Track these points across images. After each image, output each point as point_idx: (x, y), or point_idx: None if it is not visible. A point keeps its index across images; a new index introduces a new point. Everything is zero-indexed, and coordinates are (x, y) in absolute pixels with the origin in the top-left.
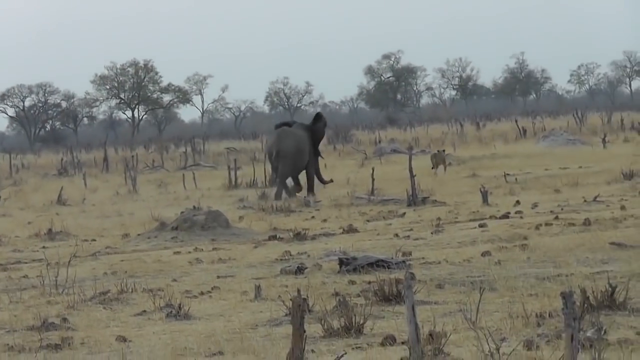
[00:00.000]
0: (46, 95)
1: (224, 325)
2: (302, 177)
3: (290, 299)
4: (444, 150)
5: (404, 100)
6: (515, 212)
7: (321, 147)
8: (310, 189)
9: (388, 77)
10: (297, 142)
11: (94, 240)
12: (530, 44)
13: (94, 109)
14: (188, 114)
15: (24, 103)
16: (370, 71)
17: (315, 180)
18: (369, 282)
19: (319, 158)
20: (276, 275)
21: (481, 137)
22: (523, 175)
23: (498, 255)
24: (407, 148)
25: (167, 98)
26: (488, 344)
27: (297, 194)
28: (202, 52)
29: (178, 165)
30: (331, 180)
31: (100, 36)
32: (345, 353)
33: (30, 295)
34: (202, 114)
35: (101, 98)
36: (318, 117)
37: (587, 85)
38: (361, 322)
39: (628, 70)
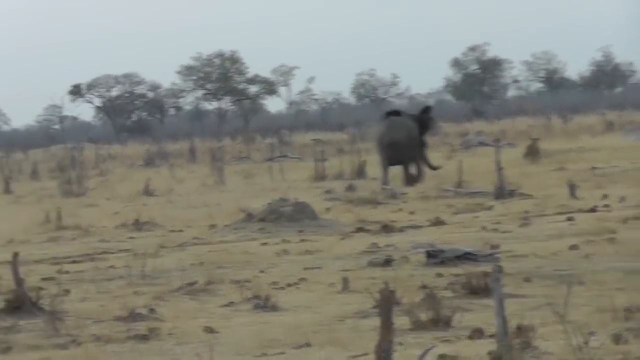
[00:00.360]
0: (132, 85)
1: (311, 317)
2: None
3: (378, 291)
4: (537, 139)
5: (491, 93)
6: (603, 206)
7: None
8: (418, 177)
9: (474, 70)
10: (407, 131)
11: (181, 230)
12: (617, 36)
13: (180, 100)
14: (274, 105)
15: (110, 93)
16: (456, 63)
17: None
18: (457, 275)
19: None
20: (363, 268)
21: (568, 130)
22: (610, 168)
23: (586, 248)
24: (493, 140)
25: (253, 89)
26: (576, 337)
27: (412, 184)
28: (289, 43)
29: (264, 157)
30: (440, 167)
31: (187, 26)
32: (434, 346)
33: (117, 285)
34: (289, 105)
35: (187, 89)
36: (427, 109)
37: None
38: (449, 315)
39: None
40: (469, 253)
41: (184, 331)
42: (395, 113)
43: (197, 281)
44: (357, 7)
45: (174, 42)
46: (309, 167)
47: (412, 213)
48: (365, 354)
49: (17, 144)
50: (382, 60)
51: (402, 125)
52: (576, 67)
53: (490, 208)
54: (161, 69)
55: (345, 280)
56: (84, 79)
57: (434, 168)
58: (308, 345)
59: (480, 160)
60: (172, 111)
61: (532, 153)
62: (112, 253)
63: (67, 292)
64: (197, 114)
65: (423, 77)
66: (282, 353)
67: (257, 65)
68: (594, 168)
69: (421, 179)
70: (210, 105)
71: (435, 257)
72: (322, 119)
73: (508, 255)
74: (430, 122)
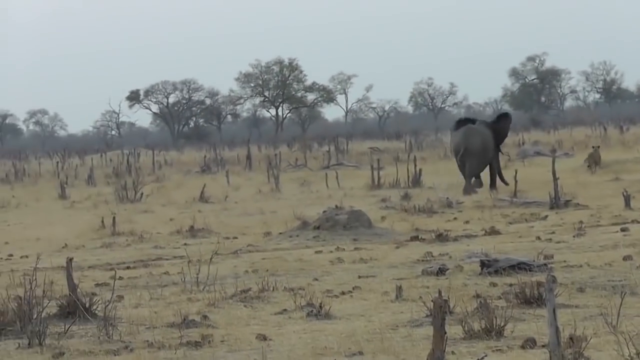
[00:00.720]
0: (190, 92)
1: (364, 325)
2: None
3: (432, 300)
4: (599, 147)
5: (548, 103)
6: None
7: None
8: (493, 184)
9: (532, 79)
10: (483, 139)
11: (236, 238)
12: None
13: (238, 107)
14: (332, 113)
15: (168, 99)
16: (514, 73)
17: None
18: (510, 285)
19: (501, 155)
20: (417, 276)
21: (625, 140)
22: None
23: (639, 259)
24: (550, 150)
25: (311, 97)
26: (629, 348)
27: (477, 189)
28: (347, 51)
29: (321, 164)
30: (508, 184)
31: (245, 33)
32: (486, 355)
33: (171, 292)
34: (346, 113)
35: (245, 96)
36: (503, 115)
37: None
38: (502, 324)
39: None
40: (523, 263)
41: (236, 338)
42: (468, 121)
43: (251, 288)
44: (415, 16)
45: (232, 48)
46: (365, 175)
47: (467, 222)
48: None
49: (73, 149)
50: (440, 69)
51: (478, 133)
52: (634, 77)
53: (545, 218)
54: (219, 76)
55: (399, 289)
56: (142, 85)
57: (505, 182)
58: (361, 353)
59: (537, 170)
60: (229, 118)
61: (595, 160)
62: (167, 259)
63: (120, 298)
64: (255, 121)
65: (481, 86)
66: None
67: (316, 72)
68: None
69: (496, 185)
70: (268, 113)
71: (489, 266)
72: (379, 127)
73: (562, 266)
74: (505, 130)
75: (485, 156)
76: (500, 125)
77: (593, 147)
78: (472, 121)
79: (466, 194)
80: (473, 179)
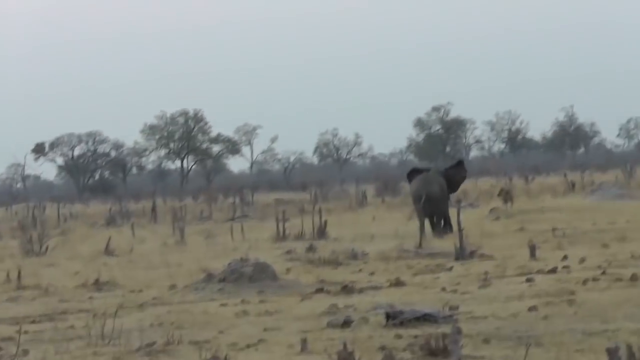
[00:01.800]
0: (95, 144)
1: None
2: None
3: (337, 353)
4: (508, 191)
5: (453, 153)
6: (563, 267)
7: (370, 199)
8: (448, 229)
9: (437, 130)
10: (440, 186)
11: (141, 291)
12: (580, 97)
13: (143, 159)
14: (237, 164)
15: (73, 152)
16: (419, 123)
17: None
18: (416, 336)
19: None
20: (323, 329)
21: (530, 190)
22: (571, 229)
23: (545, 310)
24: (455, 201)
25: (216, 148)
26: None
27: (442, 235)
28: (252, 102)
29: (226, 217)
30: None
31: (150, 85)
32: None
33: (76, 346)
34: (251, 164)
35: (150, 147)
36: (459, 163)
37: (636, 139)
38: None
39: None
40: (428, 314)
41: None
42: (421, 170)
43: (156, 342)
44: (320, 66)
45: (137, 100)
46: (270, 227)
47: (372, 274)
48: None
49: None
50: (345, 120)
51: (436, 180)
52: (539, 127)
53: (450, 269)
54: (124, 128)
55: (304, 342)
56: (47, 137)
57: (451, 228)
58: None
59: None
60: (135, 170)
61: (506, 198)
62: (72, 313)
63: (26, 352)
64: (160, 173)
65: (386, 136)
66: None
67: (221, 124)
68: (554, 229)
69: (450, 230)
70: (173, 165)
71: (394, 318)
72: (285, 178)
73: (467, 317)
74: (461, 178)
75: (442, 202)
76: (454, 172)
77: (503, 189)
78: (426, 170)
79: (439, 237)
80: (441, 222)
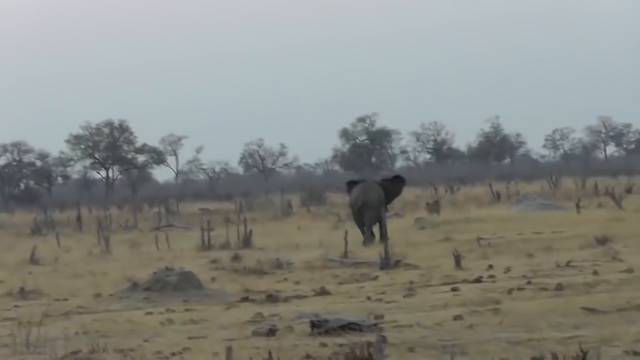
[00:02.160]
0: (20, 154)
1: None
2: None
3: None
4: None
5: (379, 163)
6: (488, 276)
7: (295, 208)
8: (384, 235)
9: (363, 140)
10: (378, 195)
11: (66, 299)
12: (505, 108)
13: (68, 169)
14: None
15: None
16: (344, 134)
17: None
18: (341, 345)
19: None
20: (248, 337)
21: (455, 200)
22: (496, 239)
23: (470, 319)
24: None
25: (141, 158)
26: None
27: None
28: (177, 113)
29: (151, 226)
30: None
31: (75, 95)
32: None
33: (1, 354)
34: (177, 174)
35: (75, 157)
36: (398, 177)
37: (561, 150)
38: None
39: (603, 135)
40: (353, 323)
41: None
42: (357, 182)
43: (81, 350)
44: (246, 76)
45: (62, 110)
46: (195, 236)
47: (297, 283)
48: None
49: None
50: (270, 130)
51: (375, 189)
52: (465, 138)
53: (375, 278)
54: (49, 138)
55: (229, 350)
56: None
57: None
58: None
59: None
60: (60, 180)
61: (433, 209)
62: None
63: None
64: (85, 183)
65: (311, 147)
66: None
67: (146, 134)
68: (480, 239)
69: (386, 237)
70: (99, 174)
71: (319, 326)
72: (210, 188)
73: (392, 326)
74: (398, 190)
75: (379, 210)
76: (392, 184)
77: (432, 201)
78: (362, 181)
79: (366, 245)
80: (370, 231)
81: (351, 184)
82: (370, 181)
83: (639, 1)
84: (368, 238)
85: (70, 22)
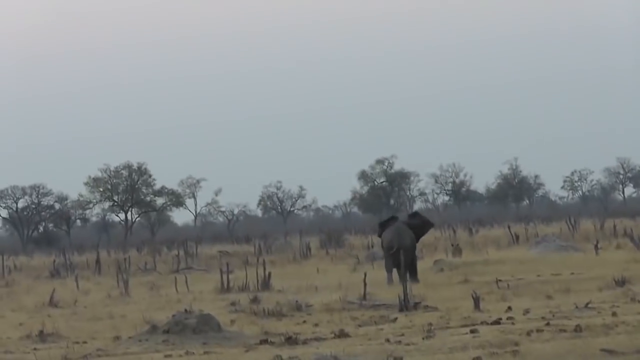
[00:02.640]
0: (39, 196)
1: None
2: None
3: None
4: (458, 244)
5: (397, 205)
6: (507, 318)
7: (314, 251)
8: (415, 277)
9: (381, 182)
10: (411, 238)
11: (85, 342)
12: (524, 150)
13: (87, 211)
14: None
15: (17, 204)
16: (363, 176)
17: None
18: None
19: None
20: None
21: (474, 242)
22: (515, 281)
23: None
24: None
25: (160, 201)
26: None
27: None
28: (196, 155)
29: (170, 269)
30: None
31: (94, 138)
32: None
33: None
34: (195, 217)
35: (94, 200)
36: (415, 214)
37: (580, 192)
38: None
39: (621, 176)
40: None
41: None
42: (392, 219)
43: None
44: (265, 119)
45: (81, 153)
46: (214, 279)
47: (316, 325)
48: None
49: None
50: (289, 173)
51: (408, 233)
52: (484, 179)
53: (394, 320)
54: (68, 180)
55: None
56: None
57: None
58: None
59: (385, 274)
60: (79, 222)
61: (457, 253)
62: None
63: None
64: (104, 226)
65: (330, 189)
66: None
67: (165, 176)
68: (498, 280)
69: (416, 278)
70: (117, 217)
71: None
72: (228, 230)
73: None
74: (425, 231)
75: (414, 253)
76: (421, 226)
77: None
78: (394, 218)
79: (391, 284)
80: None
81: (383, 225)
82: (402, 224)
83: None
84: (399, 279)
85: (89, 67)
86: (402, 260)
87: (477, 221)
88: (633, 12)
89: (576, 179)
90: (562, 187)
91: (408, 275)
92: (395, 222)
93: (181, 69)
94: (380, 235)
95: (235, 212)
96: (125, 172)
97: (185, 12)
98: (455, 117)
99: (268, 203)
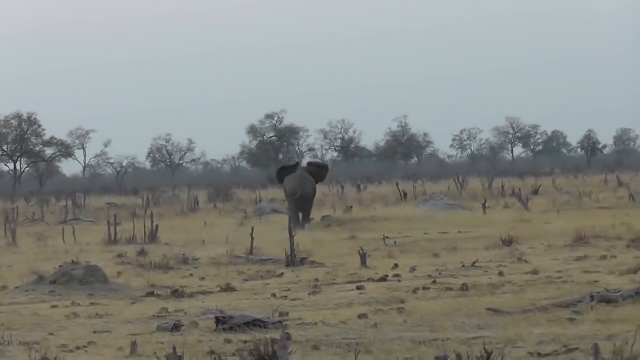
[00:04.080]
0: None
1: None
2: None
3: (165, 356)
4: (351, 207)
5: (286, 160)
6: (393, 275)
7: (202, 204)
8: (308, 219)
9: (270, 137)
10: (312, 186)
11: None
12: (413, 107)
13: None
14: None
15: None
16: (252, 130)
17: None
18: (245, 341)
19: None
20: (152, 332)
21: (361, 199)
22: (402, 238)
23: (374, 317)
24: (286, 208)
25: (49, 151)
26: None
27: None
28: (86, 106)
29: (58, 219)
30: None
31: None
32: None
33: None
34: (84, 168)
35: None
36: (321, 165)
37: (469, 151)
38: None
39: (510, 136)
40: (258, 320)
41: None
42: (290, 167)
43: None
44: (154, 72)
45: None
46: (102, 230)
47: (202, 279)
48: None
49: None
50: (178, 126)
51: (310, 181)
52: (373, 136)
53: (280, 275)
54: None
55: (133, 344)
56: None
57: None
58: None
59: (273, 227)
60: None
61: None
62: None
63: None
64: None
65: (219, 143)
66: None
67: (54, 127)
68: (385, 237)
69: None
70: (6, 167)
71: (224, 323)
72: (117, 182)
73: (297, 323)
74: (323, 177)
75: (312, 200)
76: (319, 172)
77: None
78: (293, 166)
79: (295, 230)
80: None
81: (283, 171)
82: (304, 170)
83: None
84: (299, 224)
85: None
86: (303, 207)
87: (366, 178)
88: None
89: (465, 137)
90: (451, 146)
91: (302, 218)
92: (296, 170)
93: (74, 17)
94: (281, 181)
95: (124, 164)
96: (14, 122)
97: None
98: (345, 73)
99: (157, 155)
